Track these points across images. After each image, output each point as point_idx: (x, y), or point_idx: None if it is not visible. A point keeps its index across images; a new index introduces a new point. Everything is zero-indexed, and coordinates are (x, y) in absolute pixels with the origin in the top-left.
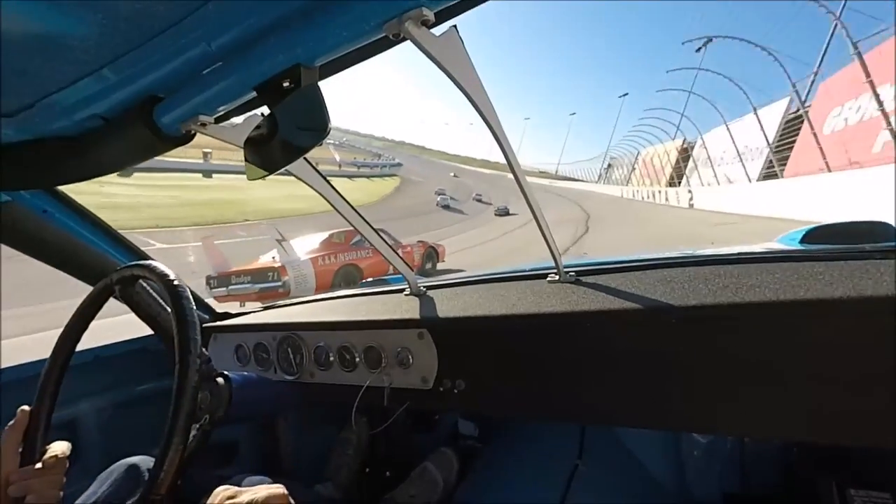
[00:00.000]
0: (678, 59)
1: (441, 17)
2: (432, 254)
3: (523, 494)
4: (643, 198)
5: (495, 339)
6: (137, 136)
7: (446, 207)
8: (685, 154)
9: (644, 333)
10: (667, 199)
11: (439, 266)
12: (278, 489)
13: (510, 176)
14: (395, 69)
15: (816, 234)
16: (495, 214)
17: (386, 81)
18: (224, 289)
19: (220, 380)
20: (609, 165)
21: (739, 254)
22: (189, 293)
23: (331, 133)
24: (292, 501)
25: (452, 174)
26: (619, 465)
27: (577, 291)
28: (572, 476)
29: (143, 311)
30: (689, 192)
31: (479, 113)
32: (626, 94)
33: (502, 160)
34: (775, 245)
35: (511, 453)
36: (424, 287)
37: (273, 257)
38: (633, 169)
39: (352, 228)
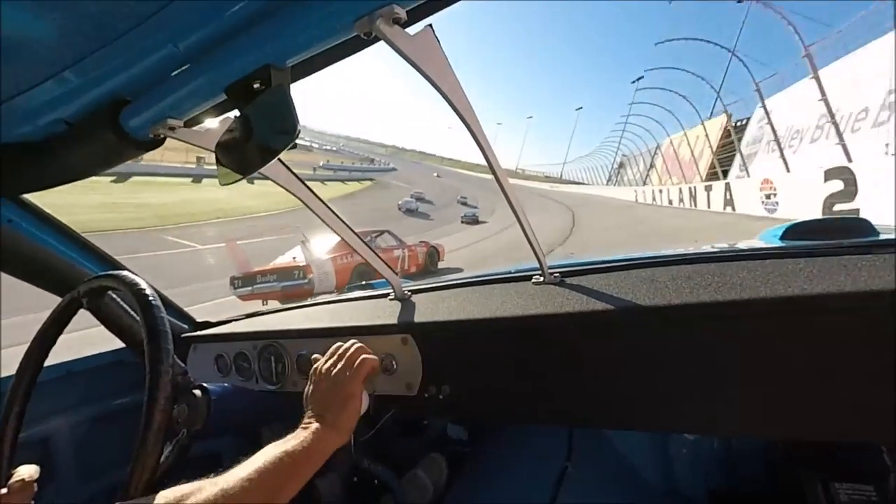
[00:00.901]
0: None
1: (415, 16)
2: (434, 253)
3: (513, 497)
4: (670, 201)
5: (479, 342)
6: (104, 140)
7: (410, 212)
8: (729, 135)
9: (628, 334)
10: (708, 202)
11: (440, 265)
12: None
13: (512, 181)
14: (395, 74)
15: (797, 231)
16: (462, 222)
17: (388, 88)
18: (249, 288)
19: (197, 392)
20: (621, 164)
21: (721, 251)
22: (159, 302)
23: (332, 139)
24: None
25: (435, 174)
26: (608, 465)
27: (562, 292)
28: (561, 478)
29: (113, 323)
30: (773, 191)
31: (456, 112)
32: (641, 77)
33: (508, 166)
34: (757, 242)
35: (500, 456)
36: (409, 291)
37: (293, 257)
38: (652, 165)
39: (363, 229)
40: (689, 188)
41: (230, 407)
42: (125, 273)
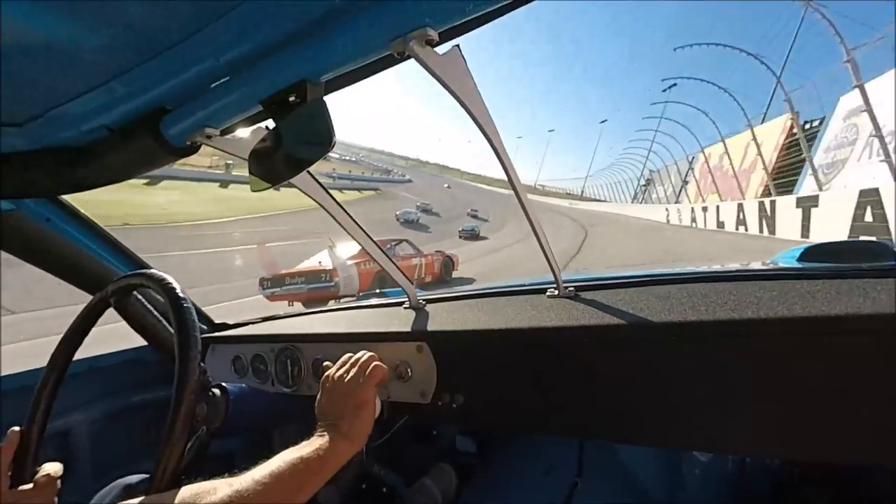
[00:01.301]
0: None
1: (444, 37)
2: (449, 262)
3: None
4: (721, 224)
5: (494, 353)
6: (143, 146)
7: (409, 223)
8: (794, 139)
9: (641, 349)
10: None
11: (454, 274)
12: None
13: (532, 197)
14: (416, 89)
15: (814, 253)
16: (460, 237)
17: (410, 102)
18: (278, 289)
19: (216, 391)
20: (648, 181)
21: (737, 271)
22: (190, 302)
23: (354, 150)
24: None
25: (446, 185)
26: (619, 481)
27: (576, 306)
28: (572, 492)
29: (137, 321)
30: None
31: (480, 129)
32: (674, 84)
33: (528, 181)
34: (776, 261)
35: (509, 469)
36: (423, 300)
37: (319, 261)
38: (685, 182)
39: (382, 238)
40: (759, 204)
41: (247, 407)
42: (155, 271)
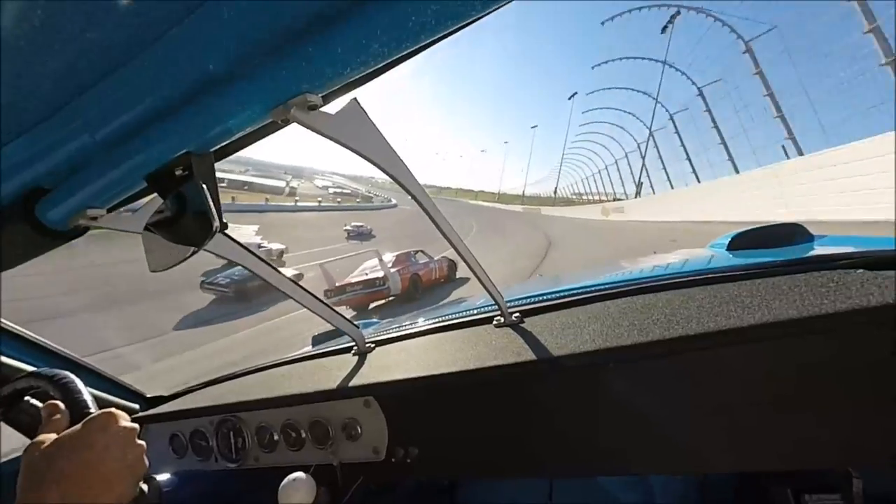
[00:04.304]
0: None
1: (333, 96)
2: (454, 265)
3: None
4: None
5: (442, 398)
6: (20, 234)
7: (360, 236)
8: None
9: (585, 379)
10: None
11: (458, 274)
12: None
13: (511, 208)
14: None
15: (740, 240)
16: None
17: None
18: (342, 296)
19: (143, 486)
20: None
21: (672, 276)
22: (80, 386)
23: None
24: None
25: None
26: (589, 497)
27: (523, 335)
28: None
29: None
30: None
31: (391, 177)
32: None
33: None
34: (706, 253)
35: (482, 500)
36: (372, 343)
37: (366, 272)
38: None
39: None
40: None
41: (184, 496)
42: (44, 370)
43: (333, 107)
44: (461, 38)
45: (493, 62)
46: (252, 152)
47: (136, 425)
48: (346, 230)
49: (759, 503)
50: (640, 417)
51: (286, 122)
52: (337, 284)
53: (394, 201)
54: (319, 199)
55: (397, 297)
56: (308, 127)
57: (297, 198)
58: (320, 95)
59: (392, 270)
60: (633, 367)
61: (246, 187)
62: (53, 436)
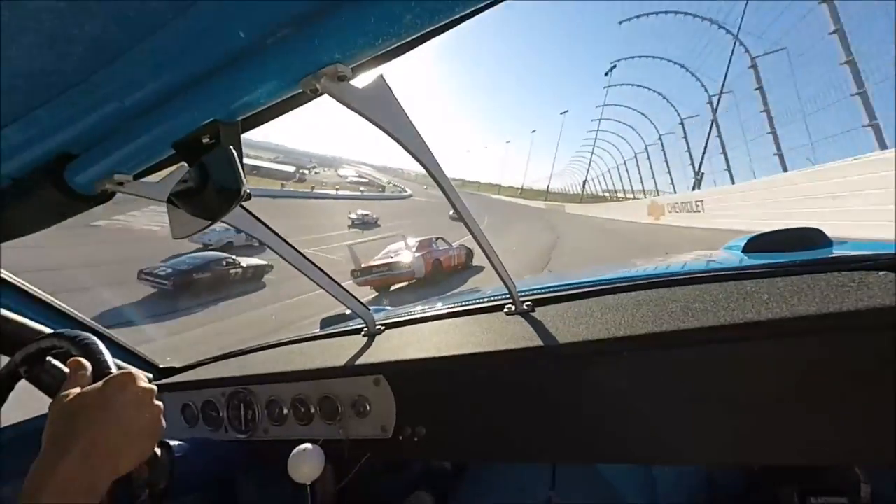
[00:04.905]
0: None
1: (362, 69)
2: (470, 254)
3: None
4: None
5: (451, 380)
6: (49, 197)
7: (365, 224)
8: None
9: (595, 366)
10: None
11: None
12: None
13: (533, 204)
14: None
15: (757, 243)
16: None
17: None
18: (368, 276)
19: (157, 450)
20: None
21: (686, 273)
22: (101, 348)
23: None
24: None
25: (424, 187)
26: (593, 491)
27: (533, 324)
28: None
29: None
30: None
31: (414, 157)
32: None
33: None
34: (721, 254)
35: (485, 489)
36: (382, 326)
37: (391, 255)
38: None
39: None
40: None
41: (197, 462)
42: (66, 331)
43: (360, 81)
44: (488, 19)
45: (522, 46)
46: (281, 138)
47: (154, 387)
48: (350, 218)
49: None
50: (647, 407)
51: (315, 93)
52: (363, 265)
53: (408, 191)
54: (337, 187)
55: (419, 281)
56: (336, 98)
57: (307, 184)
58: (350, 67)
59: (416, 255)
60: (645, 356)
61: (255, 171)
62: (77, 390)
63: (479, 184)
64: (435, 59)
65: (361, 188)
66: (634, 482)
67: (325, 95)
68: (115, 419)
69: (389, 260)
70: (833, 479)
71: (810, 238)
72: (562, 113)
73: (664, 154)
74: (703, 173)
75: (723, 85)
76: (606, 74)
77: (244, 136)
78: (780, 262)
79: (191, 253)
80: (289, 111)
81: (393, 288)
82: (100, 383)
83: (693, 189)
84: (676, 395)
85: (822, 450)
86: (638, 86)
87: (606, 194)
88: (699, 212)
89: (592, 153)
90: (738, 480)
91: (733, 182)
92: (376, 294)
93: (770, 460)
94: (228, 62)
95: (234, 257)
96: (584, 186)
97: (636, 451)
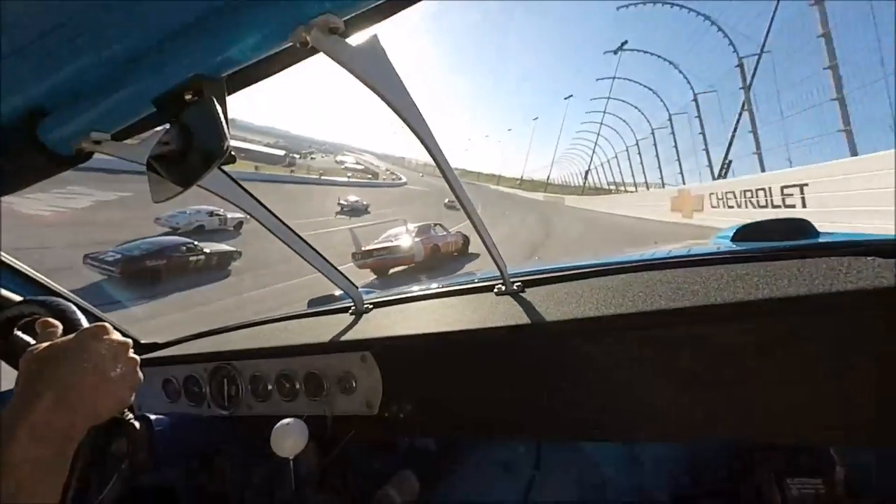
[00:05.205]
0: None
1: (357, 26)
2: (468, 240)
3: None
4: None
5: (439, 358)
6: (21, 156)
7: (354, 211)
8: None
9: (584, 344)
10: None
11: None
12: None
13: (531, 195)
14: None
15: (746, 231)
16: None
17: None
18: (368, 259)
19: (136, 423)
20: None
21: (676, 257)
22: (73, 308)
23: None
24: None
25: (420, 175)
26: (576, 471)
27: (522, 303)
28: (529, 487)
29: None
30: None
31: (405, 122)
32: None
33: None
34: (711, 242)
35: (470, 468)
36: (370, 304)
37: (391, 239)
38: None
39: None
40: None
41: (176, 436)
42: (39, 297)
43: (354, 40)
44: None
45: (524, 30)
46: (286, 124)
47: (130, 341)
48: (339, 204)
49: (746, 485)
50: (634, 385)
51: (304, 47)
52: (364, 248)
53: (403, 179)
54: (321, 172)
55: (418, 265)
56: (327, 53)
57: (293, 169)
58: (343, 20)
59: (416, 239)
60: (634, 335)
61: (242, 154)
62: (47, 343)
63: (479, 174)
64: (435, 48)
65: (349, 174)
66: (618, 463)
67: (318, 80)
68: (90, 364)
69: (390, 244)
70: (808, 461)
71: (798, 228)
72: (565, 98)
73: (674, 138)
74: (730, 160)
75: (763, 45)
76: (616, 52)
77: (241, 104)
78: (770, 247)
79: (154, 237)
80: (279, 71)
81: (392, 271)
82: (73, 335)
83: (718, 178)
84: (663, 374)
85: (801, 429)
86: (654, 54)
87: (612, 187)
88: (794, 206)
89: (597, 140)
90: (719, 463)
91: (763, 169)
92: (375, 278)
93: (754, 439)
94: (212, 11)
95: (195, 243)
96: (586, 176)
97: (621, 429)
